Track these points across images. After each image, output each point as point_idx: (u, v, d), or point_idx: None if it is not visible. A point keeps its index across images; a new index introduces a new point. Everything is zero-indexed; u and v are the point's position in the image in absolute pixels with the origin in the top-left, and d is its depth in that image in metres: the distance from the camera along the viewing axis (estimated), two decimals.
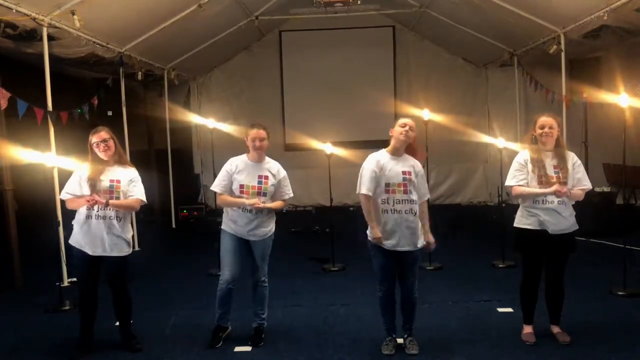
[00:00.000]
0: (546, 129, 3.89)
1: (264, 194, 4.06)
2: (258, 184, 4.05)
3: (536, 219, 3.91)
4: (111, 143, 3.98)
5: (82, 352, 4.01)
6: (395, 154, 3.88)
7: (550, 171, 3.88)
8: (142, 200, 4.03)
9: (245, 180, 4.05)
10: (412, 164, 3.89)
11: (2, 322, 4.84)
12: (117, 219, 3.93)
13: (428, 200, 4.04)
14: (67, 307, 5.07)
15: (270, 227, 4.17)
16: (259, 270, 4.18)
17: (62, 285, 5.33)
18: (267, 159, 4.19)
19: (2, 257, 5.84)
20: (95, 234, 3.90)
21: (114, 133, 4.08)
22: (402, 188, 3.78)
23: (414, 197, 3.82)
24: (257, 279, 4.21)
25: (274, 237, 4.23)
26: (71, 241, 4.01)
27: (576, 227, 3.98)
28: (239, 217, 4.06)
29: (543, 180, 3.86)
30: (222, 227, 4.18)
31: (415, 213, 3.82)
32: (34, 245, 6.25)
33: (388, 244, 3.80)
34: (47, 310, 5.08)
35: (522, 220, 3.99)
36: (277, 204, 4.15)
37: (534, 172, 3.89)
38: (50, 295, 5.25)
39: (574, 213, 3.97)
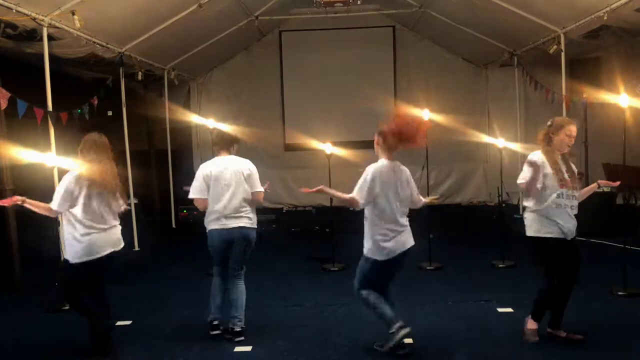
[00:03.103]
0: (573, 137, 3.92)
1: None
2: None
3: (557, 227, 3.83)
4: None
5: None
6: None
7: (565, 175, 3.92)
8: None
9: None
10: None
11: (2, 322, 4.85)
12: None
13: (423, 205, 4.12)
14: (67, 307, 5.04)
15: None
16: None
17: None
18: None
19: (2, 257, 5.83)
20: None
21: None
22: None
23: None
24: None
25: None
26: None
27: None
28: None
29: (563, 183, 3.88)
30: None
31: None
32: (33, 245, 6.24)
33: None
34: (47, 310, 5.08)
35: (541, 230, 3.87)
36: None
37: (555, 175, 3.87)
38: (50, 295, 5.24)
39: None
